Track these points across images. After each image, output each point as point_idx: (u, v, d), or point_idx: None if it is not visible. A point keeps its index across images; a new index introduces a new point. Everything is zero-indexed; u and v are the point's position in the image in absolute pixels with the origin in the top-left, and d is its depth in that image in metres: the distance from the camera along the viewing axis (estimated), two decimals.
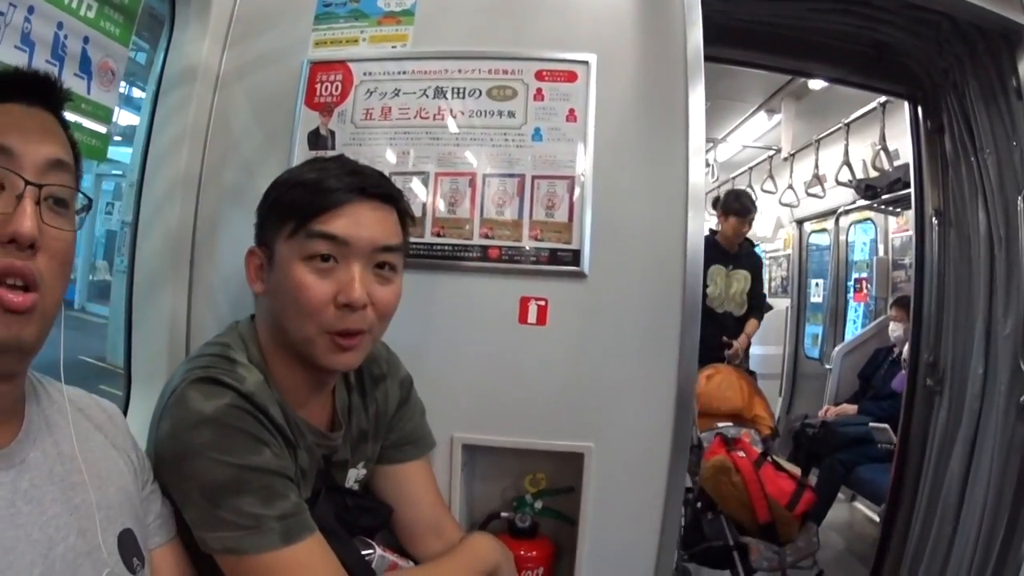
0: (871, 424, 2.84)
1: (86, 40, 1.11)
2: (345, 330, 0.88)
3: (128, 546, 0.68)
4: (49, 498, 0.61)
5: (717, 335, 3.22)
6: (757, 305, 3.45)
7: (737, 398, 2.61)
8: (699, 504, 2.27)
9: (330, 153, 1.29)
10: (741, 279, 3.37)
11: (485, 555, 1.07)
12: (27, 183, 0.59)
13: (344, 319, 0.87)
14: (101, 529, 0.64)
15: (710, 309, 3.25)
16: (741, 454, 2.19)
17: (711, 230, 3.50)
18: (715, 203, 3.78)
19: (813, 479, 2.82)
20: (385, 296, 0.91)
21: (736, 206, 3.36)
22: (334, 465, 1.02)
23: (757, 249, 3.87)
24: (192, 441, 0.80)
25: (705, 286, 3.23)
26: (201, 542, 0.79)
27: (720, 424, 2.46)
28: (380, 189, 0.93)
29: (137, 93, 1.42)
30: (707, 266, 3.14)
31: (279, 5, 1.43)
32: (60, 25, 1.04)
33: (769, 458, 2.22)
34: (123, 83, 1.22)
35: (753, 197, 3.67)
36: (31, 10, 0.98)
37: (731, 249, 3.39)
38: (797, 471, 2.26)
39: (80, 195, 0.67)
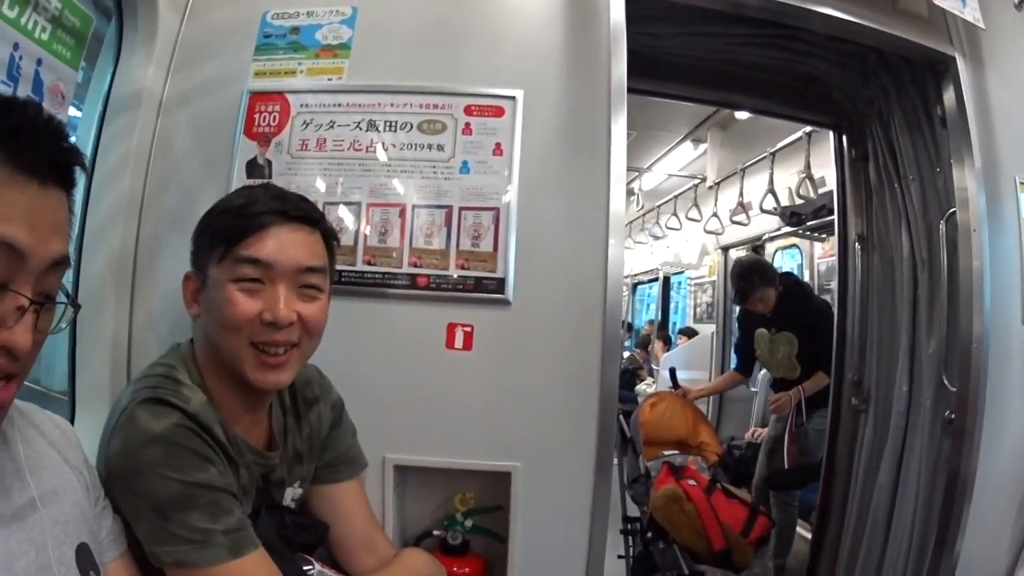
0: None
1: (39, 62, 1.12)
2: (271, 340, 0.92)
3: (85, 560, 0.70)
4: (9, 515, 0.62)
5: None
6: (814, 364, 2.81)
7: (682, 426, 2.56)
8: (649, 534, 2.26)
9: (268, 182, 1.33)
10: (786, 343, 2.91)
11: (419, 569, 1.11)
12: (32, 302, 0.59)
13: (268, 333, 0.91)
14: (59, 543, 0.66)
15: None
16: (691, 482, 2.18)
17: None
18: None
19: None
20: (311, 313, 0.95)
21: (736, 291, 2.97)
22: (272, 484, 1.05)
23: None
24: (142, 459, 0.83)
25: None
26: (153, 556, 0.82)
27: (666, 452, 2.44)
28: (300, 212, 0.96)
29: (72, 112, 1.43)
30: (753, 328, 3.05)
31: (222, 34, 1.46)
32: (16, 46, 1.06)
33: (719, 485, 2.22)
34: None
35: (753, 264, 3.11)
36: None
37: (767, 313, 2.97)
38: (748, 497, 2.27)
39: (66, 299, 0.66)
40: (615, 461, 2.01)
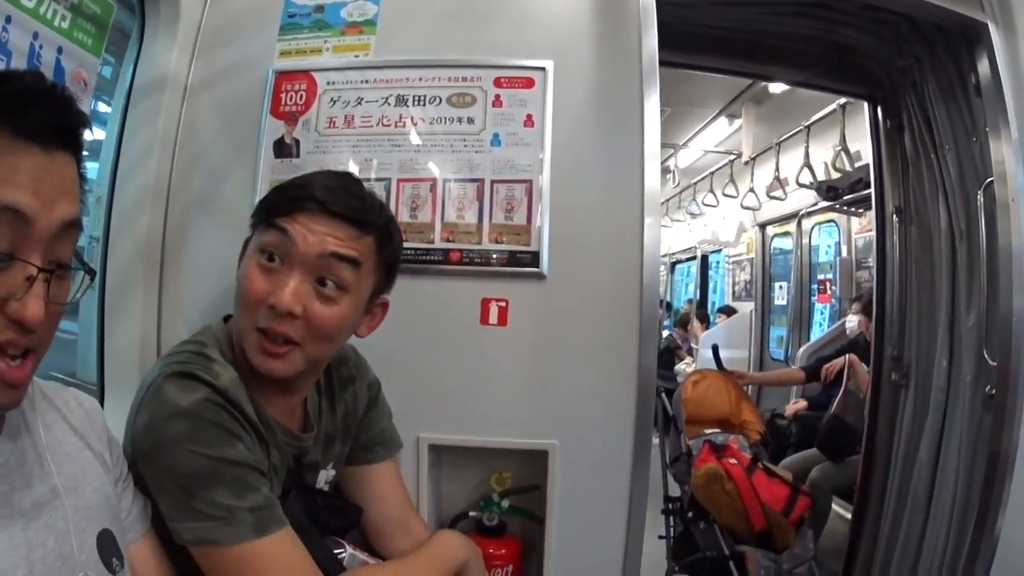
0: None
1: (60, 50, 1.12)
2: (269, 328, 0.86)
3: (107, 547, 0.68)
4: (28, 504, 0.61)
5: None
6: None
7: (724, 404, 2.52)
8: (690, 513, 2.23)
9: (295, 161, 1.32)
10: None
11: (454, 551, 1.08)
12: (40, 270, 0.56)
13: (270, 320, 0.86)
14: (80, 530, 0.65)
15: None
16: (732, 461, 2.15)
17: None
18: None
19: None
20: (321, 314, 0.88)
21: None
22: (305, 466, 1.03)
23: None
24: (168, 433, 0.81)
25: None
26: (175, 533, 0.80)
27: (707, 431, 2.41)
28: (340, 208, 0.89)
29: (102, 108, 1.43)
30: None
31: (245, 15, 1.45)
32: (36, 35, 1.06)
33: (760, 464, 2.19)
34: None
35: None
36: (8, 19, 1.00)
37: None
38: (789, 476, 2.24)
39: (81, 269, 0.63)
40: (656, 440, 1.98)
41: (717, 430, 2.40)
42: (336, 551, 1.00)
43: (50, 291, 0.57)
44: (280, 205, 0.90)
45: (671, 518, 2.38)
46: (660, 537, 2.38)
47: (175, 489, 0.80)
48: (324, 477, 1.09)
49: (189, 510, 0.79)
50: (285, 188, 0.94)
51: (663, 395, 2.54)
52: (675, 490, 2.43)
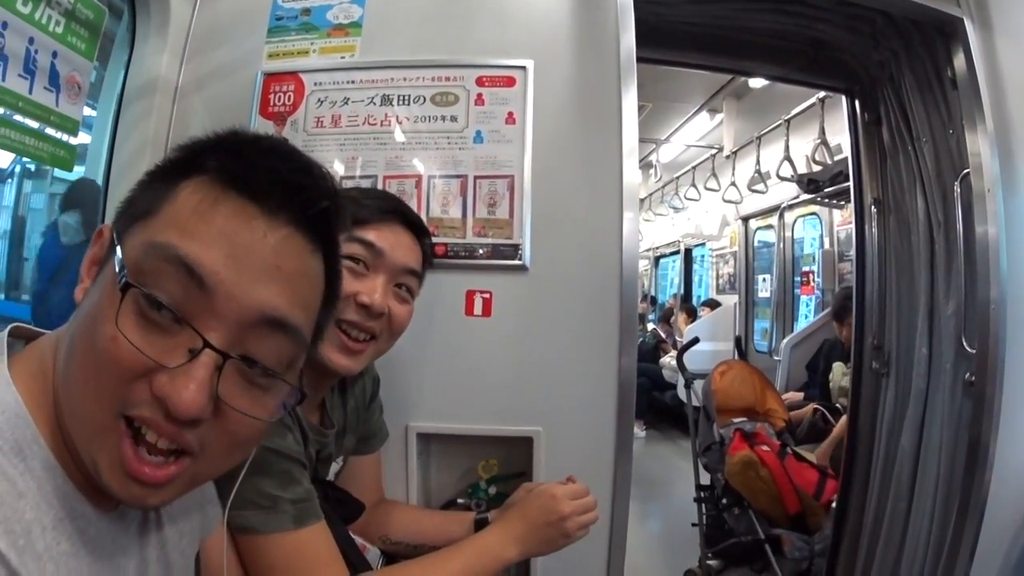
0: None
1: (55, 55, 1.16)
2: (358, 323, 0.93)
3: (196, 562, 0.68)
4: (135, 540, 0.55)
5: None
6: None
7: (750, 393, 2.59)
8: (724, 500, 2.28)
9: None
10: None
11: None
12: (208, 346, 0.43)
13: (359, 316, 0.93)
14: (185, 565, 0.64)
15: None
16: (765, 448, 2.20)
17: None
18: None
19: None
20: (401, 313, 0.98)
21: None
22: (320, 460, 1.06)
23: None
24: None
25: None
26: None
27: (736, 420, 2.47)
28: (417, 219, 1.01)
29: (87, 111, 1.47)
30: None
31: (234, 18, 1.49)
32: (31, 40, 1.09)
33: (790, 449, 2.25)
34: None
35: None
36: (4, 25, 1.03)
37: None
38: (815, 460, 2.29)
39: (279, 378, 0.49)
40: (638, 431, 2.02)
41: (744, 419, 2.46)
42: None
43: (222, 386, 0.44)
44: (362, 215, 0.95)
45: (703, 506, 2.42)
46: (693, 524, 2.43)
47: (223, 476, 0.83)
48: (334, 469, 1.12)
49: (236, 497, 0.80)
50: (356, 200, 0.96)
51: (693, 384, 2.57)
52: (703, 479, 2.47)
